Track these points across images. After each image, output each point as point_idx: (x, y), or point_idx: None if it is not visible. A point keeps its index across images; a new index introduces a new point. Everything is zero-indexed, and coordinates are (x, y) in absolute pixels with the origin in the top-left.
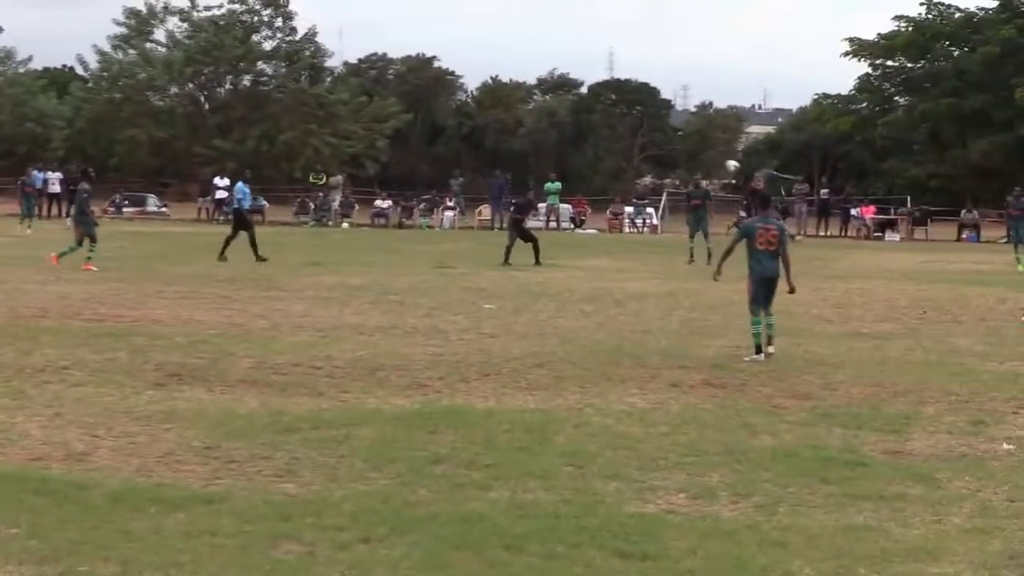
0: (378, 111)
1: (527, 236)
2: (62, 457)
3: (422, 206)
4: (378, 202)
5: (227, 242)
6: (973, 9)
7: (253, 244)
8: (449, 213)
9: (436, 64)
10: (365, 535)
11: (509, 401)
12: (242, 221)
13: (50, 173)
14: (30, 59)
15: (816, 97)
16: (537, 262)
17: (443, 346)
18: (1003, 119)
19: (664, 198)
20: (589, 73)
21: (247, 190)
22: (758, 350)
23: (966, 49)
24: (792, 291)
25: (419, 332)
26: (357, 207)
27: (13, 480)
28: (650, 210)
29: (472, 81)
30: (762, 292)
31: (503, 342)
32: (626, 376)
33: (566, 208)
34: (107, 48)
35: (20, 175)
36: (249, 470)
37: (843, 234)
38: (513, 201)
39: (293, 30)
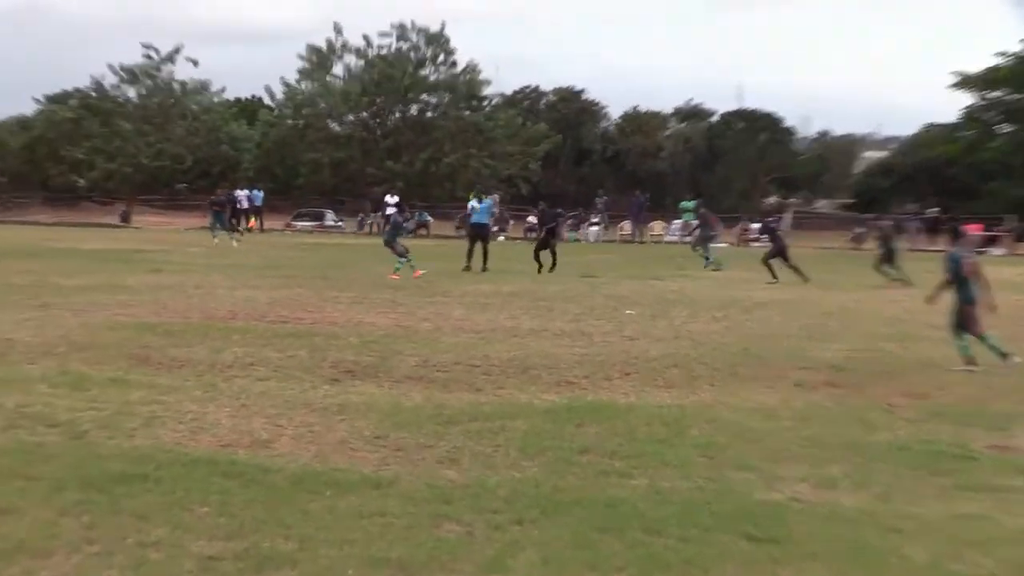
0: (531, 135)
1: (551, 248)
2: (248, 444)
3: (570, 221)
4: (530, 218)
5: (469, 254)
6: None
7: (485, 255)
8: (594, 228)
9: (583, 96)
10: (518, 517)
11: (648, 397)
12: (477, 234)
13: (240, 192)
14: (223, 90)
15: (925, 127)
16: (552, 268)
17: (588, 347)
18: None
19: (790, 215)
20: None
21: (478, 204)
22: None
23: None
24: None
25: (566, 335)
26: (512, 222)
27: (205, 464)
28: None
29: (615, 110)
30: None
31: (642, 344)
32: (753, 376)
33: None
34: (291, 80)
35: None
36: (414, 457)
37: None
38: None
39: (454, 64)
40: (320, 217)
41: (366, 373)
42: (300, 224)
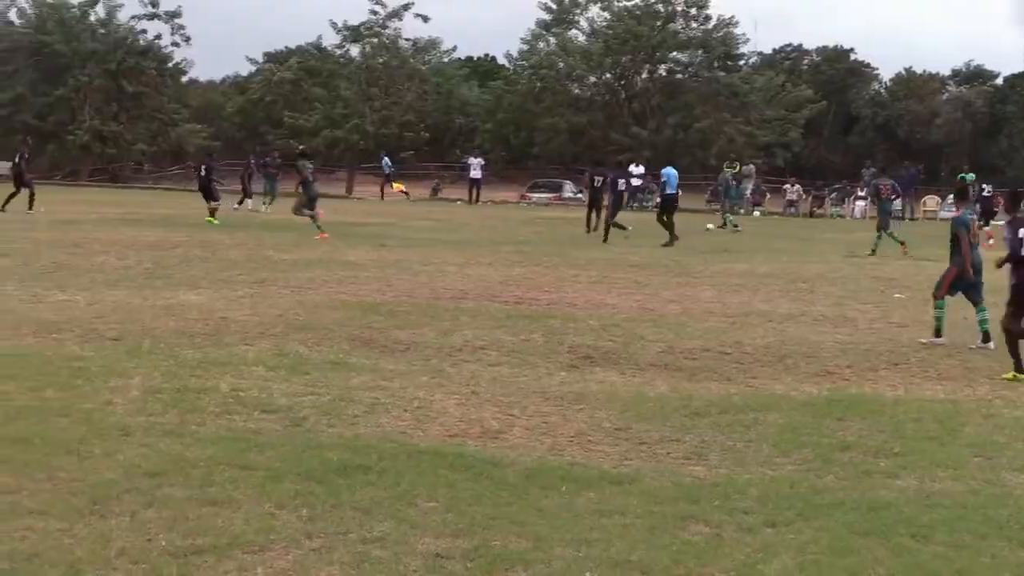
0: (791, 100)
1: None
2: (478, 434)
3: (833, 195)
4: (787, 189)
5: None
6: None
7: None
8: (860, 203)
9: (851, 56)
10: (771, 519)
11: (917, 390)
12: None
13: (472, 159)
14: (454, 49)
15: None
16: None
17: (852, 334)
18: None
19: None
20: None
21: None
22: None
23: None
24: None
25: (828, 320)
26: (769, 195)
27: (432, 455)
28: None
29: (886, 72)
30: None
31: (912, 332)
32: None
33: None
34: (528, 37)
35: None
36: (658, 452)
37: None
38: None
39: (708, 19)
40: (558, 188)
41: (606, 359)
42: (536, 196)
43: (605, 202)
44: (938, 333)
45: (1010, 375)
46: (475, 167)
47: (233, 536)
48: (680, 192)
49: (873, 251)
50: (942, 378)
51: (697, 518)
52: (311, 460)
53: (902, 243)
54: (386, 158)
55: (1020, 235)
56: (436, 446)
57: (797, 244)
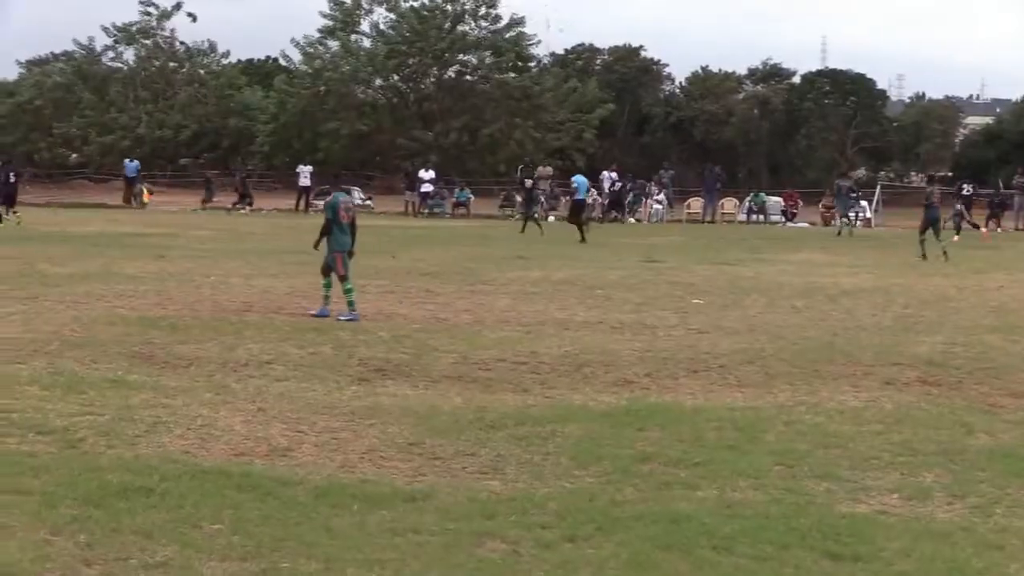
0: (581, 98)
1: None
2: (265, 452)
3: (630, 198)
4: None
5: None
6: None
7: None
8: (658, 206)
9: (643, 54)
10: (571, 534)
11: (718, 398)
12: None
13: (301, 166)
14: (227, 54)
15: None
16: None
17: (651, 342)
18: None
19: (878, 191)
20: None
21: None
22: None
23: None
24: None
25: (626, 327)
26: (564, 200)
27: (217, 475)
28: (864, 203)
29: (680, 71)
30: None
31: (712, 338)
32: (838, 373)
33: (776, 201)
34: (312, 40)
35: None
36: (453, 467)
37: None
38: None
39: (498, 19)
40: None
41: (398, 372)
42: (322, 203)
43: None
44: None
45: None
46: (304, 175)
47: (6, 565)
48: (472, 198)
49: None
50: (742, 385)
51: (494, 534)
52: (89, 483)
53: None
54: (132, 163)
55: None
56: (221, 465)
57: (594, 250)
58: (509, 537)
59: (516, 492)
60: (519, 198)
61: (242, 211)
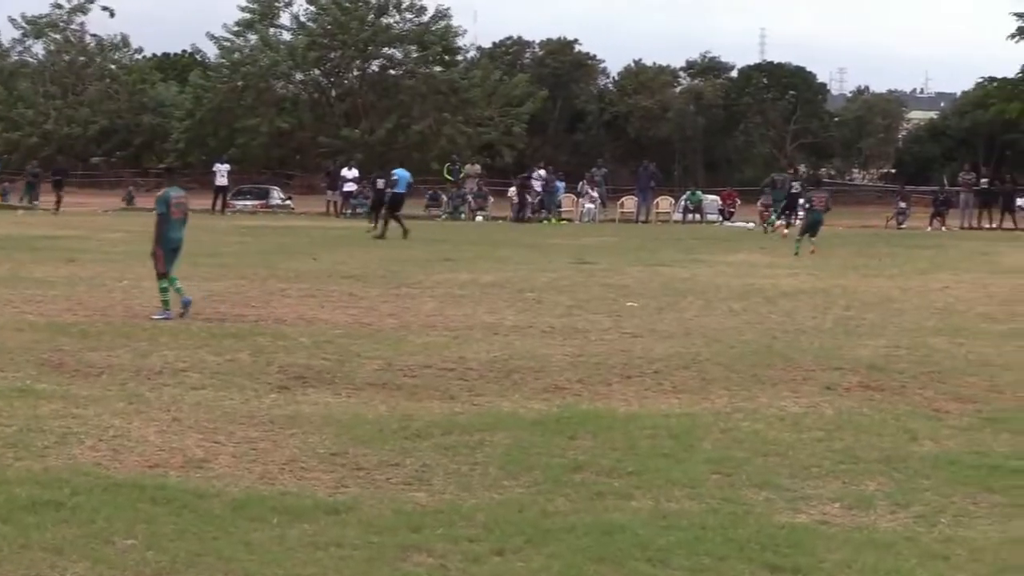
0: (510, 91)
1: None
2: (180, 464)
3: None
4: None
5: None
6: None
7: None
8: (590, 205)
9: (577, 48)
10: (499, 547)
11: (652, 405)
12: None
13: (218, 164)
14: (141, 48)
15: (980, 81)
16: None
17: (583, 346)
18: None
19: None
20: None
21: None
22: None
23: None
24: None
25: (557, 332)
26: (492, 199)
27: (130, 488)
28: (803, 201)
29: (617, 65)
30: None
31: (646, 342)
32: (777, 378)
33: (713, 200)
34: (229, 33)
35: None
36: (377, 478)
37: (1000, 225)
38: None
39: (423, 10)
40: (265, 195)
41: (320, 379)
42: (241, 203)
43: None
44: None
45: None
46: (221, 173)
47: None
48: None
49: None
50: (678, 391)
51: (420, 548)
52: None
53: None
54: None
55: None
56: (135, 478)
57: (524, 251)
58: (436, 550)
59: (443, 503)
60: (445, 197)
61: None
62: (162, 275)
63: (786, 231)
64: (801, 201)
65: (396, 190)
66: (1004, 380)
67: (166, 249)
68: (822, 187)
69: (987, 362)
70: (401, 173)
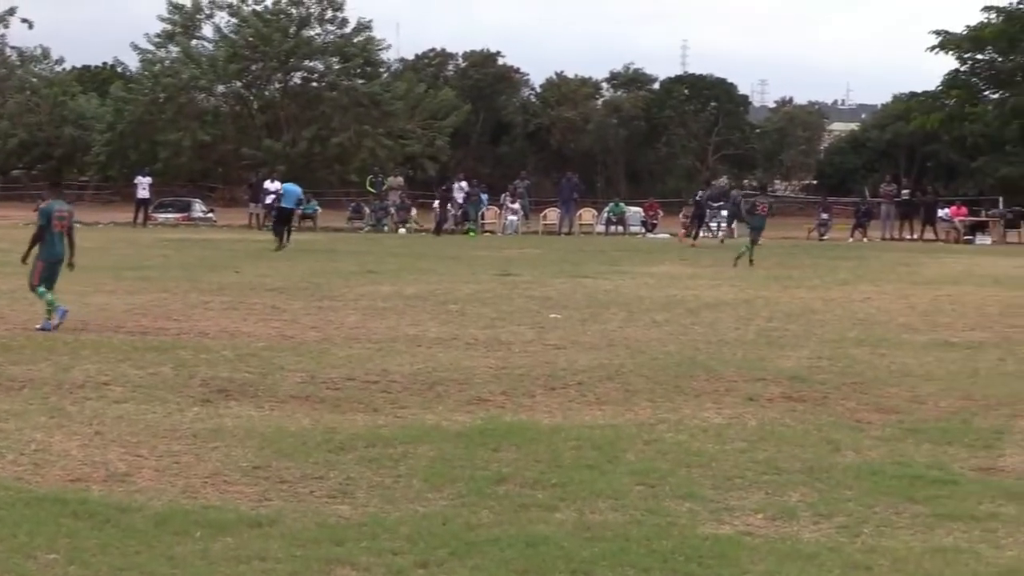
0: (435, 105)
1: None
2: (103, 478)
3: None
4: (435, 205)
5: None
6: None
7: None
8: (512, 217)
9: (501, 60)
10: (423, 559)
11: (576, 416)
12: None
13: (140, 177)
14: (61, 60)
15: (898, 95)
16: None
17: (506, 358)
18: None
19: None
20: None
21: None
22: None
23: None
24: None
25: (481, 344)
26: (416, 211)
27: (51, 503)
28: (725, 212)
29: (538, 77)
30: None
31: (570, 354)
32: (700, 390)
33: (636, 211)
34: (150, 46)
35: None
36: (301, 491)
37: (922, 237)
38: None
39: (345, 22)
40: (187, 208)
41: (243, 392)
42: (163, 216)
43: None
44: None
45: None
46: (142, 186)
47: None
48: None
49: None
50: (601, 402)
51: (343, 561)
52: None
53: None
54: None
55: None
56: (57, 492)
57: (447, 263)
58: (359, 563)
59: (366, 516)
60: (368, 209)
61: None
62: (33, 287)
63: (694, 242)
64: (725, 212)
65: (283, 204)
66: (925, 390)
67: (46, 262)
68: (765, 194)
69: (908, 372)
70: (289, 188)
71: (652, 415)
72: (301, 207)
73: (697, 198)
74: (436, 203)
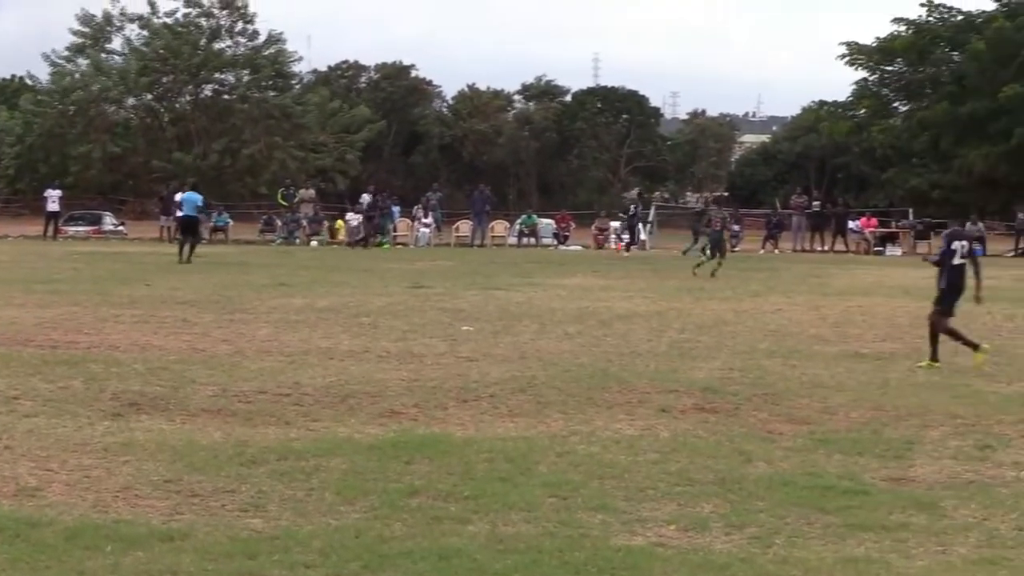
0: (348, 121)
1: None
2: (12, 492)
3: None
4: (349, 216)
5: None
6: (973, 11)
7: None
8: (424, 230)
9: (414, 72)
10: (336, 573)
11: (489, 429)
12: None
13: (50, 190)
14: None
15: (810, 105)
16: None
17: (418, 371)
18: (999, 127)
19: (652, 212)
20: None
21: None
22: None
23: (966, 53)
24: None
25: (393, 356)
26: (327, 224)
27: None
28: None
29: (451, 90)
30: None
31: (482, 366)
32: (613, 401)
33: (548, 223)
34: (59, 58)
35: None
36: (212, 505)
37: (832, 248)
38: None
39: (256, 35)
40: (97, 221)
41: (154, 406)
42: (73, 229)
43: None
44: None
45: (925, 363)
46: (52, 199)
47: None
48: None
49: None
50: (514, 414)
51: (255, 575)
52: None
53: None
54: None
55: (952, 247)
56: None
57: (359, 276)
58: None
59: (279, 530)
60: (279, 222)
61: None
62: None
63: (626, 253)
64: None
65: (182, 213)
66: (836, 401)
67: None
68: (721, 207)
69: (819, 384)
70: (188, 196)
71: (565, 427)
72: (205, 213)
73: (631, 213)
74: (353, 216)
